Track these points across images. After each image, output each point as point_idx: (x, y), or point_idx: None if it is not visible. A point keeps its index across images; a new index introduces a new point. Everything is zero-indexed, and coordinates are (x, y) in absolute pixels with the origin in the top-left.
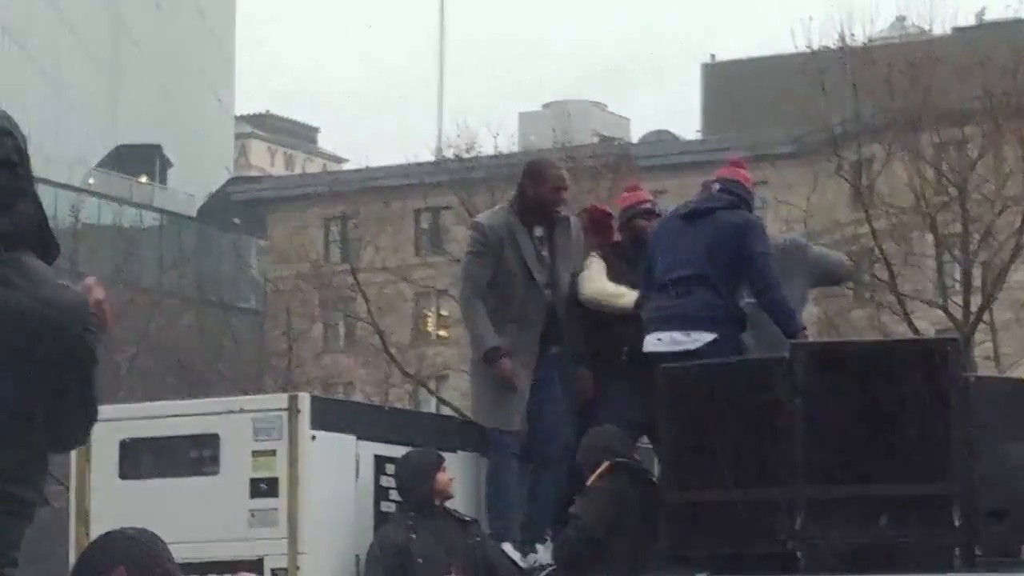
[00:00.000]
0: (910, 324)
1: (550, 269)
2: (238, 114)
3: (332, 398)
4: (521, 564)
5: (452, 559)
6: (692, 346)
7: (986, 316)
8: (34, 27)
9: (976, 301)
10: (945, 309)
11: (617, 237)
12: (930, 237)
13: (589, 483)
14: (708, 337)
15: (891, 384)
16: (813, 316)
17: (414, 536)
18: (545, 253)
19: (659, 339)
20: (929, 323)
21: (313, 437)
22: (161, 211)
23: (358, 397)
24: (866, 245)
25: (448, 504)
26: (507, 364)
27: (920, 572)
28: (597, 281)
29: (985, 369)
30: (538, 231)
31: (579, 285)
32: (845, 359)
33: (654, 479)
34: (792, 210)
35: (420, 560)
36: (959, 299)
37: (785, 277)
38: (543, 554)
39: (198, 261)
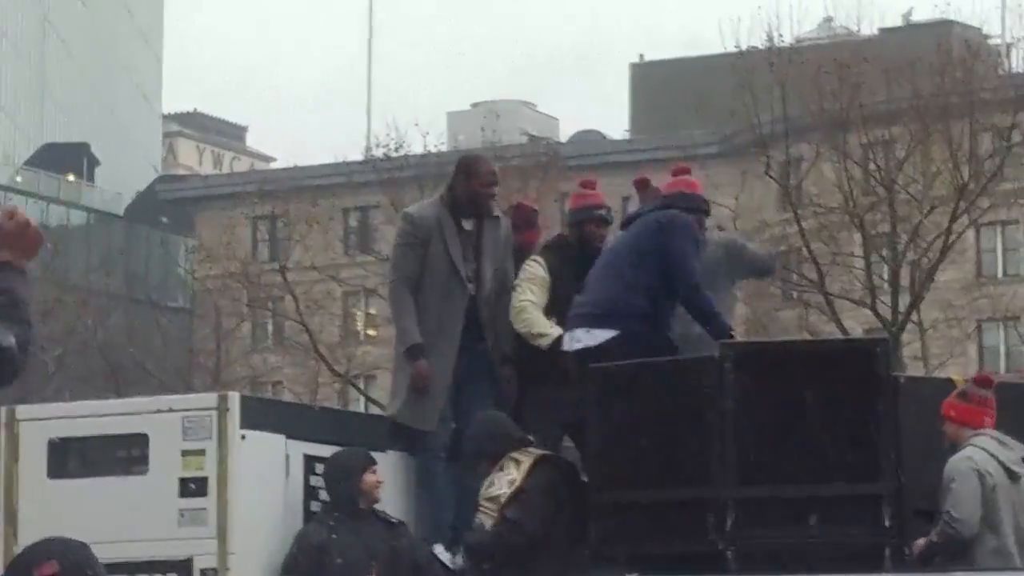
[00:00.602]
0: (838, 324)
1: (475, 264)
2: (166, 112)
3: (262, 397)
4: (450, 566)
5: (374, 560)
6: (592, 343)
7: (914, 316)
8: None
9: (904, 301)
10: (873, 309)
11: (541, 233)
12: (858, 237)
13: (520, 481)
14: (609, 334)
15: (821, 384)
16: (741, 316)
17: (334, 536)
18: (472, 248)
19: (568, 336)
20: (857, 323)
21: (243, 436)
22: (89, 209)
23: (287, 396)
24: (794, 245)
25: (378, 505)
26: (423, 365)
27: (850, 572)
28: (526, 313)
29: (913, 369)
30: (467, 225)
31: (512, 310)
32: (775, 359)
33: (579, 470)
34: (720, 210)
35: (339, 560)
36: (887, 299)
37: (717, 275)
38: None
39: (126, 260)
